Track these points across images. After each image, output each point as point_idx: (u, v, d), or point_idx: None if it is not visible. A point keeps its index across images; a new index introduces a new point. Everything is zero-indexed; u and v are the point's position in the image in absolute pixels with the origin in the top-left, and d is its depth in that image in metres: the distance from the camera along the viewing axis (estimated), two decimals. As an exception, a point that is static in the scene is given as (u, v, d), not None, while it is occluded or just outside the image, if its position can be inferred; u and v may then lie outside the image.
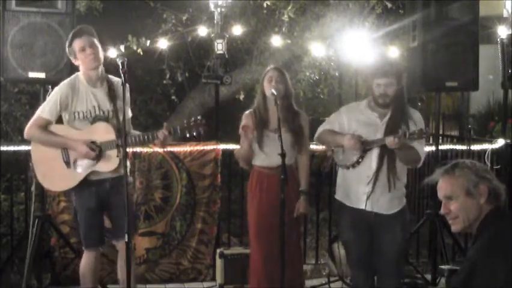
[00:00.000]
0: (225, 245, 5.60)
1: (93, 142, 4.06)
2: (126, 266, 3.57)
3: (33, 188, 4.84)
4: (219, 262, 5.23)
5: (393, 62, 4.32)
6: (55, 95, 4.12)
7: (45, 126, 4.09)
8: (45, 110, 4.11)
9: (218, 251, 5.30)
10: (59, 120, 4.19)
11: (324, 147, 4.56)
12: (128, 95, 4.19)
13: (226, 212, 5.86)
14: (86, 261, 4.23)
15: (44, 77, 4.60)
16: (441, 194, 2.68)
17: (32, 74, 4.60)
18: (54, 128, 4.13)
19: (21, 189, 5.67)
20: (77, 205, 4.20)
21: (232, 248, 5.50)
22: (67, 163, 4.10)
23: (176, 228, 5.45)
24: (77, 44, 4.09)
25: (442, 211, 2.68)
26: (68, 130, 4.10)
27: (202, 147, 5.41)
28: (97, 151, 4.04)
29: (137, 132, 4.25)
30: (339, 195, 4.24)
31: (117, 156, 4.02)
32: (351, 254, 4.24)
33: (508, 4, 6.63)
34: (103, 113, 4.11)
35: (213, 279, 5.42)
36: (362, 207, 4.07)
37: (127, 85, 4.15)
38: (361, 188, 4.08)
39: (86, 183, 4.11)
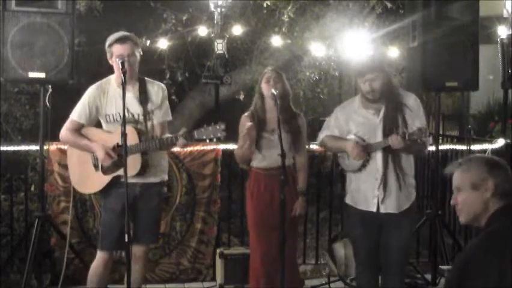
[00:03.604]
0: (225, 245, 5.60)
1: (119, 146, 3.97)
2: (126, 265, 3.57)
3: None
4: (219, 262, 5.23)
5: (374, 57, 4.26)
6: (84, 97, 4.12)
7: (76, 128, 4.10)
8: (75, 113, 4.12)
9: (218, 251, 5.30)
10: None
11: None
12: (162, 96, 4.14)
13: (226, 212, 5.86)
14: (96, 263, 4.16)
15: (44, 77, 4.60)
16: (453, 185, 2.72)
17: (32, 74, 4.59)
18: (88, 130, 4.12)
19: (21, 189, 5.67)
20: (104, 205, 4.19)
21: (232, 248, 5.50)
22: (96, 166, 4.10)
23: (176, 228, 5.45)
24: (116, 50, 4.01)
25: (452, 202, 2.72)
26: (99, 133, 4.10)
27: (202, 147, 5.41)
28: (115, 157, 3.98)
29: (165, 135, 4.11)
30: (348, 199, 4.22)
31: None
32: (359, 250, 4.22)
33: (508, 4, 6.62)
34: (132, 116, 4.05)
35: (213, 279, 5.41)
36: (373, 209, 4.06)
37: (163, 86, 4.23)
38: (370, 191, 4.06)
39: (115, 184, 4.06)
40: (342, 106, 4.34)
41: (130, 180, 3.95)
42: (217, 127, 3.85)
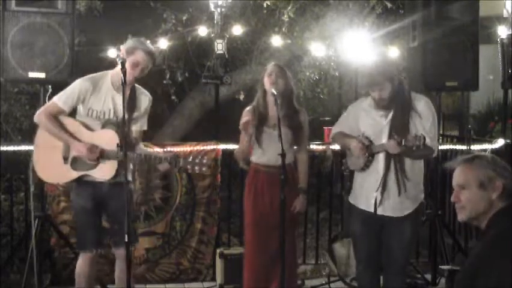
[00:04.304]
0: (225, 245, 5.61)
1: (95, 146, 3.99)
2: (126, 265, 3.56)
3: (32, 188, 4.84)
4: (219, 262, 5.23)
5: (381, 67, 4.01)
6: (75, 86, 4.05)
7: (57, 114, 4.03)
8: (61, 98, 4.04)
9: (218, 251, 5.30)
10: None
11: (324, 147, 4.58)
12: (147, 107, 4.17)
13: (226, 212, 5.86)
14: (80, 264, 4.14)
15: (44, 77, 4.60)
16: (455, 181, 2.68)
17: (32, 74, 4.59)
18: (66, 120, 4.06)
19: (21, 189, 5.67)
20: (74, 205, 4.18)
21: (232, 248, 5.50)
22: (65, 158, 4.04)
23: (176, 228, 5.45)
24: (139, 55, 4.01)
25: (452, 199, 2.68)
26: (77, 127, 4.04)
27: (202, 147, 5.41)
28: (97, 154, 3.97)
29: (143, 149, 4.21)
30: (351, 198, 4.23)
31: (117, 159, 3.96)
32: (360, 250, 4.22)
33: (508, 4, 6.62)
34: (116, 118, 4.05)
35: (213, 279, 5.42)
36: (371, 210, 4.07)
37: (150, 97, 4.22)
38: (370, 193, 4.06)
39: (82, 183, 4.05)
40: (354, 104, 4.36)
41: (97, 179, 4.02)
42: (204, 161, 3.97)
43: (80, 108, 4.08)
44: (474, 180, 2.61)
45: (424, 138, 3.73)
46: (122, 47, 4.10)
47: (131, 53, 4.02)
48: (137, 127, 4.15)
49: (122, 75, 3.72)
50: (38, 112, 4.07)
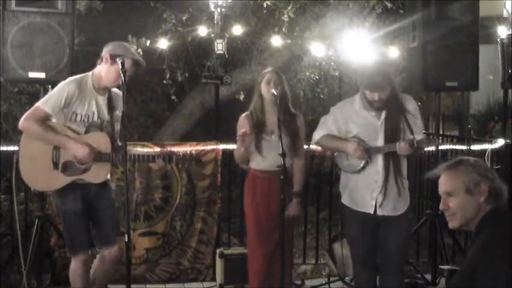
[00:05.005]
0: (225, 245, 5.61)
1: (93, 147, 3.96)
2: (126, 265, 3.56)
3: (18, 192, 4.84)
4: (219, 262, 5.23)
5: (383, 69, 4.03)
6: (62, 90, 3.96)
7: (44, 120, 3.93)
8: (47, 103, 3.94)
9: (218, 251, 5.30)
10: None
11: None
12: (122, 106, 4.09)
13: (226, 212, 5.86)
14: (74, 267, 4.09)
15: (44, 77, 4.61)
16: (441, 189, 2.67)
17: (32, 74, 4.60)
18: (53, 124, 3.98)
19: (22, 189, 5.66)
20: (63, 210, 4.09)
21: (232, 248, 5.51)
22: (55, 164, 3.98)
23: (176, 228, 5.45)
24: (127, 65, 3.90)
25: (441, 207, 2.68)
26: (66, 131, 3.97)
27: (202, 147, 5.41)
28: (94, 155, 3.93)
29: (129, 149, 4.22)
30: (345, 200, 4.21)
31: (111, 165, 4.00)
32: (356, 250, 4.22)
33: (508, 4, 6.63)
34: (99, 121, 4.04)
35: (213, 279, 5.42)
36: (370, 211, 4.06)
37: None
38: (369, 194, 4.06)
39: (70, 186, 3.99)
40: (340, 106, 4.28)
41: (85, 181, 4.01)
42: (194, 154, 4.12)
43: (64, 111, 3.98)
44: (461, 186, 2.61)
45: (436, 139, 3.78)
46: (109, 50, 4.02)
47: (120, 57, 3.90)
48: (117, 127, 4.13)
49: (122, 75, 3.70)
50: (23, 119, 3.94)
